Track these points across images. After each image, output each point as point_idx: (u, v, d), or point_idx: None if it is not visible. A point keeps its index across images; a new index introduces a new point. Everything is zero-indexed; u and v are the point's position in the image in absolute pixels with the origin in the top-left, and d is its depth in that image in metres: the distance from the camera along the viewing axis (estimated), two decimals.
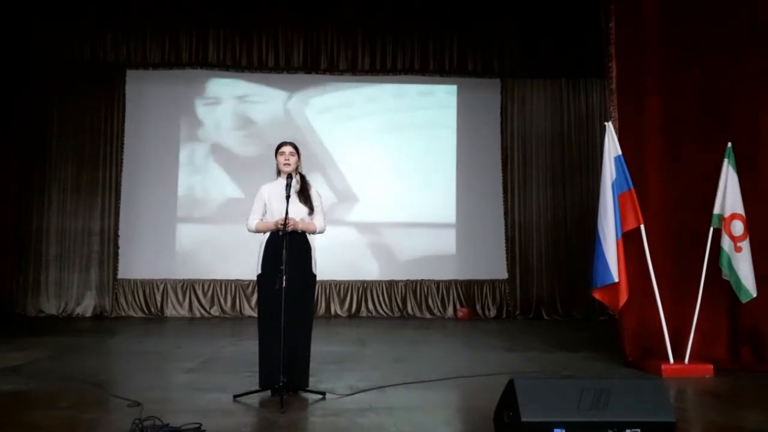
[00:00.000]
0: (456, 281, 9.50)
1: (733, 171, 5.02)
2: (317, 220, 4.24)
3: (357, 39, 9.35)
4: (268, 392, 4.02)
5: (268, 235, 4.16)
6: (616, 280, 4.88)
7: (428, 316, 9.32)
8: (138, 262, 9.16)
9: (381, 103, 9.73)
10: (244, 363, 5.18)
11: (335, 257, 9.21)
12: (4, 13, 8.53)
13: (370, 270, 9.44)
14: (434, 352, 6.18)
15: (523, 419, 2.79)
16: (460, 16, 9.38)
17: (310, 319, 4.24)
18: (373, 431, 3.29)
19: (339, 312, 9.26)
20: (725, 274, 4.95)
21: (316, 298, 7.79)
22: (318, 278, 4.28)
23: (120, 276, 9.14)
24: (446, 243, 9.62)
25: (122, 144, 9.28)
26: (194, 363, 5.28)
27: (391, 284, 9.42)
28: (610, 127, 5.22)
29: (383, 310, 9.32)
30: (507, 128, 9.69)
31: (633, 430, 2.84)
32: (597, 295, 5.09)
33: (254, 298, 8.84)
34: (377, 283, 9.42)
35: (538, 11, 9.35)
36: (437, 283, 9.47)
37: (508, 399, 2.94)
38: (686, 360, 4.98)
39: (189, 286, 9.20)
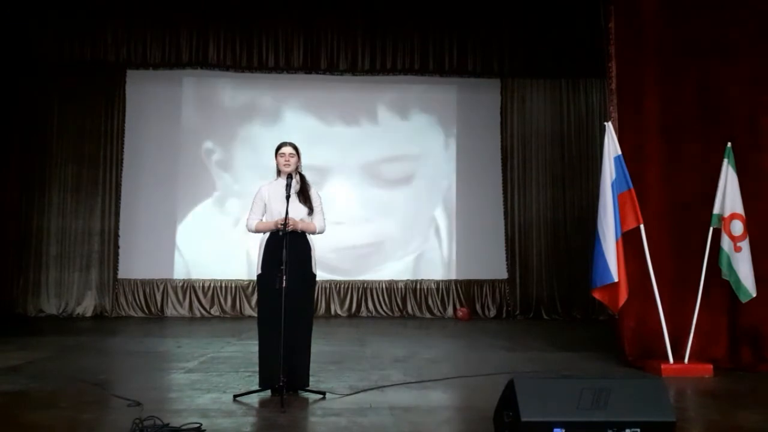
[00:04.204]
0: (456, 281, 9.51)
1: (733, 171, 5.02)
2: (317, 221, 4.25)
3: (357, 39, 9.36)
4: (268, 392, 4.03)
5: (268, 235, 4.17)
6: (616, 280, 4.88)
7: (428, 316, 9.32)
8: (138, 262, 9.17)
9: (381, 103, 9.74)
10: (244, 363, 5.19)
11: (335, 257, 9.24)
12: (4, 12, 8.54)
13: (370, 270, 9.45)
14: (434, 352, 6.18)
15: (523, 419, 2.80)
16: (460, 16, 9.39)
17: (310, 319, 4.24)
18: (373, 431, 3.29)
19: (339, 312, 9.26)
20: (725, 274, 4.95)
21: (316, 298, 7.80)
22: (318, 278, 4.29)
23: (120, 276, 9.16)
24: (446, 243, 9.63)
25: (122, 144, 9.29)
26: (194, 363, 5.28)
27: (391, 284, 9.43)
28: (609, 127, 5.22)
29: (383, 310, 9.33)
30: (507, 128, 9.70)
31: (632, 429, 2.84)
32: (597, 295, 5.09)
33: (254, 298, 8.84)
34: (377, 283, 9.43)
35: (537, 11, 9.36)
36: (437, 283, 9.48)
37: (508, 399, 2.94)
38: (686, 360, 4.98)
39: (189, 286, 9.21)
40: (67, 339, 6.76)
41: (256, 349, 4.16)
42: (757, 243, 5.01)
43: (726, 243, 4.97)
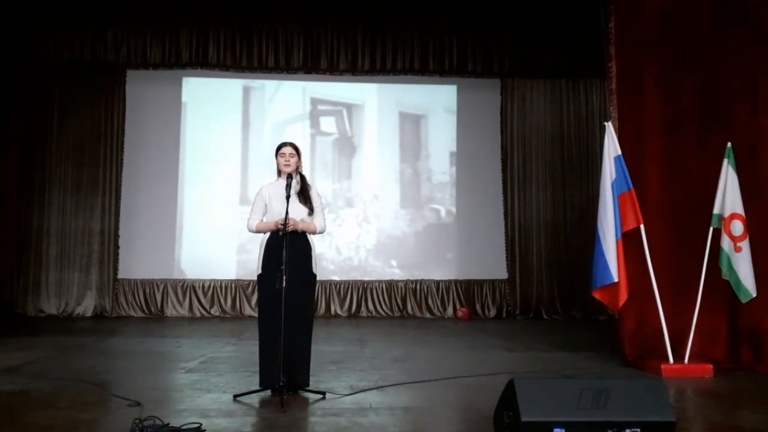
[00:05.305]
0: (456, 281, 9.50)
1: (733, 171, 5.01)
2: (317, 221, 4.25)
3: (357, 39, 9.37)
4: (269, 392, 4.02)
5: (268, 235, 4.16)
6: (616, 279, 4.88)
7: (428, 316, 9.32)
8: (138, 262, 9.17)
9: (380, 104, 9.74)
10: (244, 363, 5.19)
11: (335, 257, 9.24)
12: (3, 12, 8.54)
13: (370, 270, 9.45)
14: (434, 352, 6.18)
15: (523, 419, 2.79)
16: (460, 16, 9.39)
17: (310, 319, 4.24)
18: (373, 431, 3.29)
19: (339, 312, 9.26)
20: (725, 274, 4.95)
21: (316, 298, 7.78)
22: (318, 278, 4.29)
23: (120, 276, 9.16)
24: (446, 243, 9.63)
25: (122, 144, 9.30)
26: (194, 363, 5.28)
27: (391, 284, 9.43)
28: (609, 127, 5.22)
29: (383, 310, 9.33)
30: (507, 128, 9.70)
31: (632, 429, 2.84)
32: (597, 295, 5.09)
33: (254, 298, 8.84)
34: (377, 283, 9.42)
35: (537, 11, 9.37)
36: (437, 283, 9.48)
37: (508, 399, 2.94)
38: (686, 360, 4.98)
39: (189, 286, 9.20)
40: (67, 339, 6.76)
41: (256, 349, 4.16)
42: (758, 243, 5.00)
43: (726, 243, 4.97)
